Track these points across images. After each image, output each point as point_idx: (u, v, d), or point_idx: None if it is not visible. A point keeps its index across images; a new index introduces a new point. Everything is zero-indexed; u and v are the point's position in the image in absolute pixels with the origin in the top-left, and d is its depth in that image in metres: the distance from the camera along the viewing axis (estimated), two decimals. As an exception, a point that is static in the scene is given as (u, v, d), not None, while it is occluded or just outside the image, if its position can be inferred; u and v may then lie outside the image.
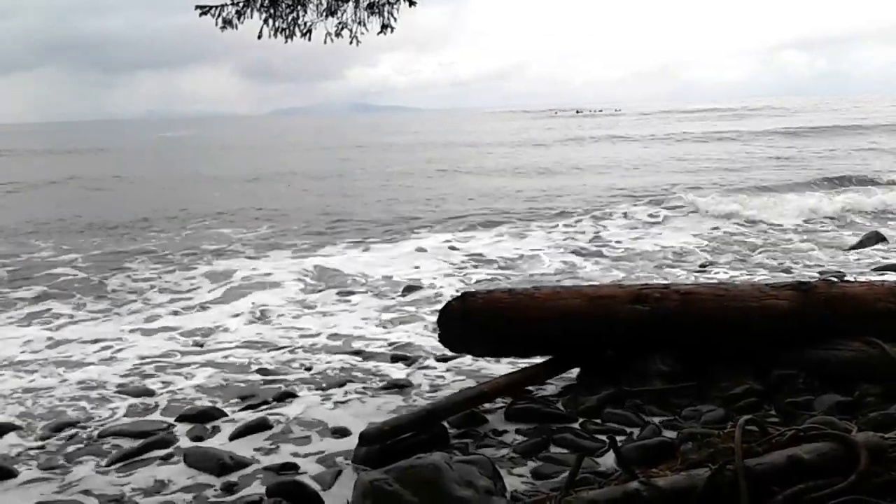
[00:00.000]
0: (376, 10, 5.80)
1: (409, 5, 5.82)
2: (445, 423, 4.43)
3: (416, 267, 10.06)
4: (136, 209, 16.95)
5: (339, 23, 5.80)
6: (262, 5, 5.64)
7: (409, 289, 8.74)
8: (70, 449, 4.50)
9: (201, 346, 6.80)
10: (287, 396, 5.31)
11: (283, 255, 11.26)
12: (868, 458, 2.74)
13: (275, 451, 4.39)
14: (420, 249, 11.38)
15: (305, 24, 5.78)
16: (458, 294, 5.51)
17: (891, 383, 4.38)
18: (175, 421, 4.91)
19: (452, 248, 11.45)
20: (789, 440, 2.96)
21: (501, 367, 5.53)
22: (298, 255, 11.34)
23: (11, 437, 4.68)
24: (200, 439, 4.59)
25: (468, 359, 5.76)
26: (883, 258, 10.03)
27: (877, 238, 11.20)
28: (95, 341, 6.96)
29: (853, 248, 10.90)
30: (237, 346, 6.73)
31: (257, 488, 3.87)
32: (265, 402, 5.22)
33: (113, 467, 4.22)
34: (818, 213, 13.52)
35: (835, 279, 6.55)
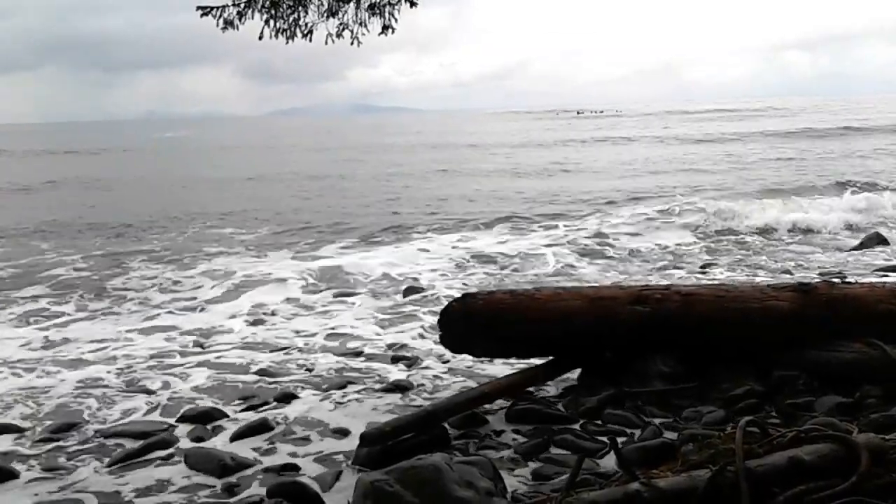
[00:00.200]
0: (377, 11, 5.80)
1: (410, 6, 5.82)
2: (446, 425, 4.43)
3: (417, 267, 10.06)
4: (137, 210, 16.97)
5: (340, 24, 5.81)
6: (263, 6, 5.65)
7: (410, 290, 8.74)
8: (71, 450, 4.50)
9: (202, 346, 6.80)
10: (288, 397, 5.31)
11: (284, 256, 11.28)
12: (869, 460, 2.74)
13: (275, 452, 4.38)
14: (421, 250, 11.39)
15: (306, 24, 5.79)
16: (459, 295, 5.51)
17: (892, 385, 4.38)
18: (176, 421, 4.91)
19: (453, 248, 11.47)
20: (790, 441, 2.95)
21: (502, 368, 5.53)
22: (299, 255, 11.36)
23: (12, 438, 4.68)
24: (201, 440, 4.59)
25: (469, 360, 5.76)
26: (884, 260, 10.02)
27: (878, 239, 11.20)
28: (96, 341, 6.96)
29: (854, 249, 10.90)
30: (237, 347, 6.73)
31: (258, 489, 3.87)
32: (266, 403, 5.22)
33: (114, 468, 4.22)
34: (819, 215, 13.50)
35: (836, 280, 6.54)
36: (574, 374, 5.20)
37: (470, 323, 5.00)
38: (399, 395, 5.26)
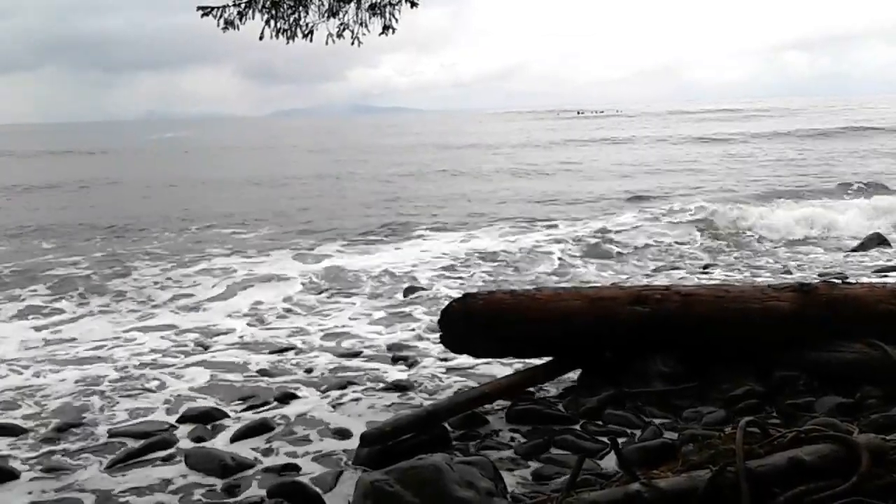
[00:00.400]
0: (378, 12, 5.80)
1: (411, 6, 5.82)
2: (446, 425, 4.43)
3: (417, 267, 10.06)
4: (138, 210, 16.99)
5: (341, 24, 5.81)
6: (263, 6, 5.65)
7: (410, 289, 8.75)
8: (71, 449, 4.50)
9: (202, 345, 6.80)
10: (288, 397, 5.31)
11: (285, 256, 11.28)
12: (869, 460, 2.73)
13: (276, 453, 4.39)
14: (421, 250, 11.40)
15: (307, 25, 5.78)
16: (460, 295, 5.51)
17: (892, 385, 4.38)
18: (176, 421, 4.91)
19: (454, 248, 11.46)
20: (790, 442, 2.95)
21: (502, 369, 5.54)
22: (299, 255, 11.36)
23: (13, 438, 4.68)
24: (202, 440, 4.59)
25: (469, 360, 5.75)
26: (885, 260, 10.02)
27: (878, 240, 11.20)
28: (96, 340, 6.97)
29: (854, 250, 10.90)
30: (238, 347, 6.74)
31: (258, 490, 3.88)
32: (266, 403, 5.22)
33: (114, 468, 4.22)
34: (819, 217, 13.48)
35: (836, 281, 6.54)
36: (574, 374, 5.21)
37: (470, 323, 5.00)
38: (399, 395, 5.26)
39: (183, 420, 4.92)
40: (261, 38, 5.74)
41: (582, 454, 3.41)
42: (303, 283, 9.17)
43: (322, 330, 7.22)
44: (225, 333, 7.19)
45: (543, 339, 5.04)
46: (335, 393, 5.37)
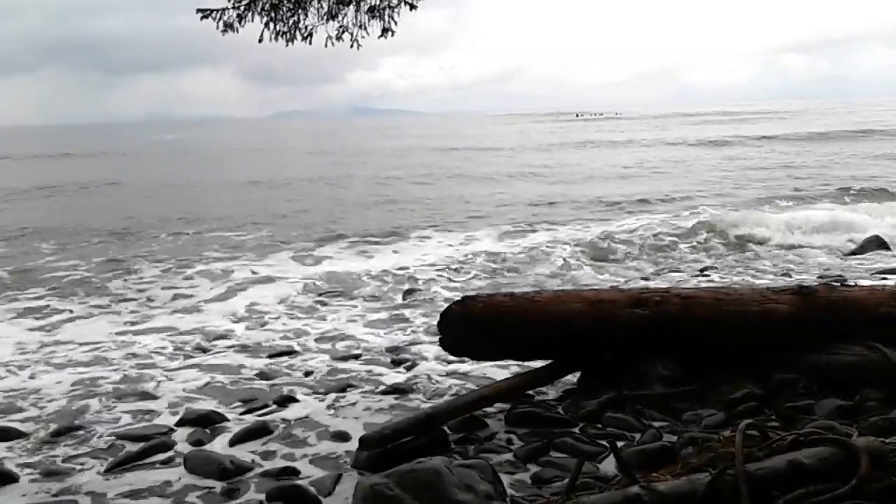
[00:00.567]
0: (377, 14, 5.81)
1: (410, 9, 5.83)
2: (446, 428, 4.43)
3: (416, 270, 10.06)
4: (138, 212, 16.98)
5: (340, 26, 5.82)
6: (263, 9, 5.66)
7: (410, 292, 8.74)
8: (70, 453, 4.49)
9: (201, 348, 6.79)
10: (287, 400, 5.30)
11: (284, 258, 11.27)
12: (869, 463, 2.73)
13: (275, 456, 4.38)
14: (421, 252, 11.40)
15: (306, 27, 5.80)
16: (459, 297, 5.51)
17: (892, 388, 4.38)
18: (175, 424, 4.90)
19: (453, 251, 11.47)
20: (790, 445, 2.95)
21: (502, 371, 5.53)
22: (298, 257, 11.36)
23: (12, 441, 4.67)
24: (201, 443, 4.58)
25: (468, 362, 5.75)
26: (884, 263, 10.02)
27: (877, 243, 11.19)
28: (95, 342, 6.96)
29: (854, 252, 10.89)
30: (237, 349, 6.73)
31: (258, 493, 3.87)
32: (265, 406, 5.21)
33: (113, 471, 4.21)
34: (818, 220, 13.48)
35: (836, 283, 6.54)
36: (574, 377, 5.20)
37: (470, 325, 4.99)
38: (398, 398, 5.25)
39: (182, 423, 4.91)
40: (260, 41, 5.76)
41: (581, 457, 3.42)
42: (302, 286, 9.16)
43: (321, 332, 7.21)
44: (224, 336, 7.18)
45: (543, 342, 5.04)
46: (334, 396, 5.36)
